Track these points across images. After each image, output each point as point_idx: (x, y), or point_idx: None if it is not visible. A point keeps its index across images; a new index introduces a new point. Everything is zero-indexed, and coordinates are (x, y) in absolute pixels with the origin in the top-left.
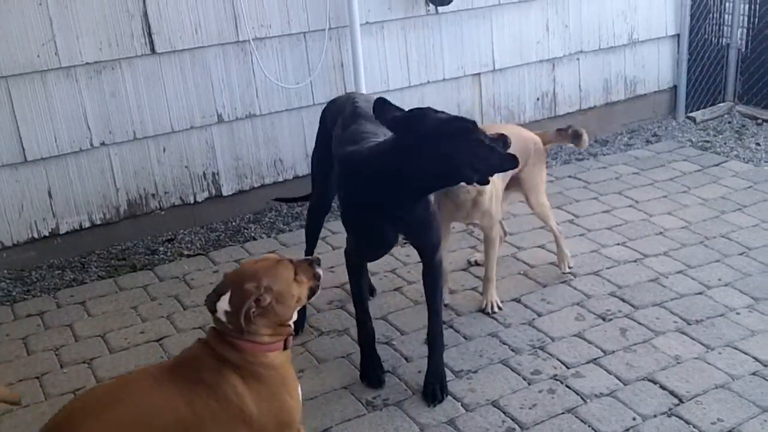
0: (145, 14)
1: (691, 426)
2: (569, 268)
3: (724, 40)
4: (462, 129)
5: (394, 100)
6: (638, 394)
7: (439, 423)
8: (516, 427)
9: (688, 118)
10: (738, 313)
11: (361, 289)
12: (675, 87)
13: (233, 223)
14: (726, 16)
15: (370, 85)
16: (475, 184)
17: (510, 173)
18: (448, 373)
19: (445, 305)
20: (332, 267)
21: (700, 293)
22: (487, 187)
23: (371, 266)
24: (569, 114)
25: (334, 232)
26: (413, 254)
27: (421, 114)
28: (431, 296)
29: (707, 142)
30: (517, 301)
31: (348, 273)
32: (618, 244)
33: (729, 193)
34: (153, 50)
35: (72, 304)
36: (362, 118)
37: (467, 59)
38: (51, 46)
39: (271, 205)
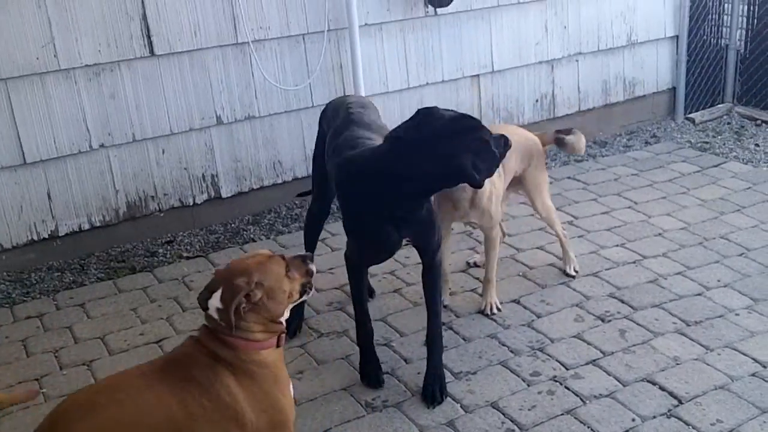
0: (144, 16)
1: (691, 427)
2: (575, 271)
3: (723, 41)
4: (469, 127)
5: (393, 101)
6: (637, 395)
7: (439, 424)
8: (515, 428)
9: (687, 119)
10: (737, 314)
11: (361, 291)
12: (674, 88)
13: (232, 225)
14: (725, 18)
15: (369, 87)
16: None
17: (511, 174)
18: (447, 374)
19: (444, 306)
20: (331, 269)
21: (699, 294)
22: (486, 186)
23: (370, 268)
24: (568, 115)
25: (333, 234)
26: (412, 256)
27: (429, 113)
28: (431, 297)
29: (706, 143)
30: (517, 302)
31: (348, 275)
32: (617, 245)
33: (728, 194)
34: (152, 52)
35: (71, 306)
36: (355, 124)
37: (466, 61)
38: (50, 48)
39: (270, 207)
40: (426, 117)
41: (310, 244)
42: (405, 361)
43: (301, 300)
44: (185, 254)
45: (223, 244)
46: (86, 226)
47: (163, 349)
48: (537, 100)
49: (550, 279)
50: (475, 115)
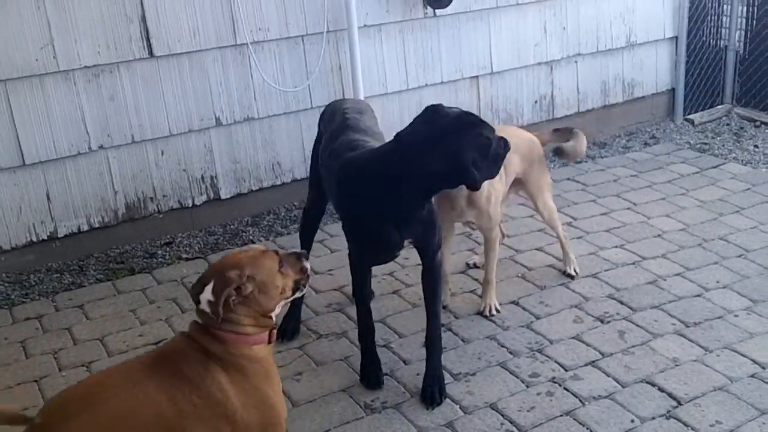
0: (143, 18)
1: (690, 428)
2: (575, 272)
3: (722, 42)
4: (473, 125)
5: (392, 103)
6: (636, 396)
7: (438, 426)
8: (514, 429)
9: (687, 120)
10: (736, 316)
11: (363, 290)
12: (673, 89)
13: (231, 227)
14: (724, 19)
15: (368, 88)
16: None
17: (513, 175)
18: (446, 375)
19: (444, 307)
20: (330, 270)
21: (698, 296)
22: (484, 186)
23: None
24: (567, 117)
25: (332, 235)
26: (411, 257)
27: (435, 110)
28: (430, 298)
29: (705, 144)
30: (516, 303)
31: (352, 274)
32: (616, 246)
33: (727, 195)
34: (151, 54)
35: (70, 307)
36: (351, 129)
37: (465, 62)
38: (49, 49)
39: (270, 208)
40: (433, 114)
41: (307, 244)
42: (404, 362)
43: (294, 297)
44: (184, 255)
45: (222, 245)
46: (85, 228)
47: None
48: (536, 101)
49: (549, 280)
50: None
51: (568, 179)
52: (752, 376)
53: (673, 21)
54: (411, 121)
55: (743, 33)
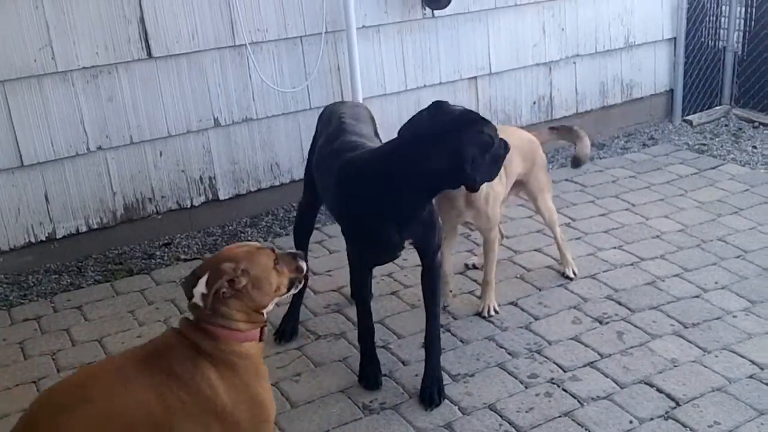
0: (142, 19)
1: (688, 429)
2: (574, 273)
3: (721, 43)
4: (475, 122)
5: (391, 104)
6: (635, 397)
7: (436, 427)
8: (513, 430)
9: (685, 121)
10: (735, 317)
11: (363, 290)
12: (672, 90)
13: (230, 228)
14: (722, 20)
15: (366, 89)
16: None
17: (514, 177)
18: (444, 376)
19: (445, 307)
20: (329, 271)
21: (696, 296)
22: (482, 187)
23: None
24: (566, 117)
25: (331, 236)
26: (410, 258)
27: (439, 106)
28: (430, 298)
29: (704, 145)
30: (514, 304)
31: (351, 275)
32: (614, 247)
33: (726, 196)
34: (150, 55)
35: (69, 308)
36: (347, 133)
37: (464, 63)
38: (48, 50)
39: (268, 209)
40: (436, 110)
41: (300, 244)
42: (403, 363)
43: (289, 293)
44: (183, 256)
45: (220, 246)
46: (84, 229)
47: None
48: (534, 102)
49: (548, 281)
50: None
51: (567, 180)
52: (750, 376)
53: (671, 22)
54: (416, 113)
55: (741, 34)
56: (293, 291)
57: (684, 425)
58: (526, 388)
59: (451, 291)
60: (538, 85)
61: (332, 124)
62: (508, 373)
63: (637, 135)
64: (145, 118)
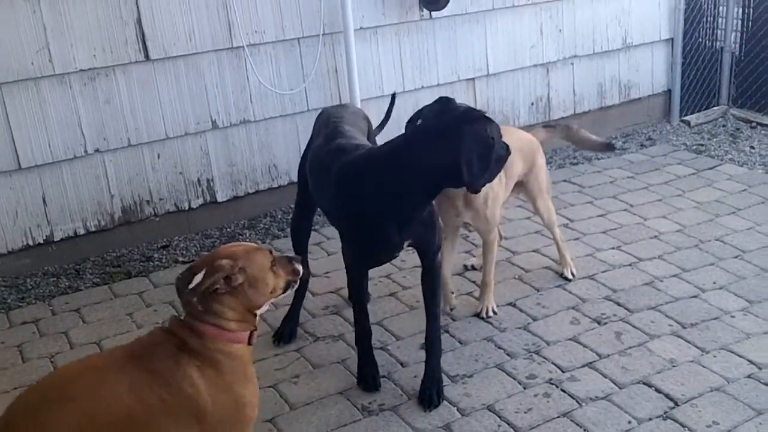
0: (139, 21)
1: (687, 429)
2: (572, 274)
3: (718, 43)
4: (478, 119)
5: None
6: (633, 397)
7: (435, 428)
8: (511, 431)
9: (683, 121)
10: (733, 316)
11: (360, 291)
12: (669, 91)
13: (228, 230)
14: (720, 20)
15: (364, 91)
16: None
17: (515, 178)
18: (443, 377)
19: (451, 309)
20: (327, 273)
21: (694, 296)
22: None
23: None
24: (564, 118)
25: (329, 238)
26: (408, 259)
27: (446, 101)
28: (430, 299)
29: (701, 145)
30: (513, 305)
31: (348, 277)
32: (613, 247)
33: (723, 196)
34: (147, 57)
35: (67, 311)
36: (343, 136)
37: (461, 64)
38: (45, 53)
39: (266, 211)
40: (443, 106)
41: (299, 246)
42: (401, 364)
43: (284, 295)
44: (181, 259)
45: (218, 248)
46: (81, 231)
47: None
48: (532, 103)
49: (546, 282)
50: None
51: (565, 181)
52: (749, 376)
53: (668, 23)
54: (422, 108)
55: (739, 34)
56: (288, 292)
57: (682, 425)
58: (524, 388)
59: (452, 293)
60: (536, 86)
61: (328, 128)
62: (507, 374)
63: (635, 136)
64: (142, 121)
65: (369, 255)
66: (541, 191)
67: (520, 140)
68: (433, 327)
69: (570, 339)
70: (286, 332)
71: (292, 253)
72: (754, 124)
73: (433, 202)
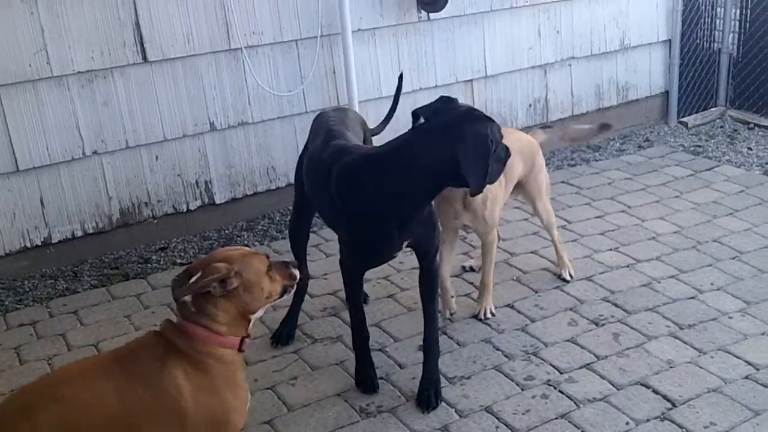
0: (137, 23)
1: (684, 430)
2: (570, 276)
3: (716, 45)
4: (479, 118)
5: (387, 106)
6: (631, 398)
7: (433, 429)
8: None
9: (680, 123)
10: (730, 318)
11: (357, 294)
12: (667, 92)
13: (226, 231)
14: (717, 22)
15: (362, 92)
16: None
17: (515, 180)
18: (441, 379)
19: (452, 314)
20: (325, 274)
21: (692, 298)
22: None
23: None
24: (561, 120)
25: (327, 240)
26: (406, 261)
27: (449, 100)
28: (428, 301)
29: (699, 146)
30: (511, 306)
31: (344, 280)
32: (611, 249)
33: (721, 197)
34: (145, 59)
35: (65, 313)
36: (340, 138)
37: (459, 65)
38: (42, 55)
39: (264, 213)
40: (444, 105)
41: (297, 248)
42: (399, 366)
43: (280, 300)
44: (179, 261)
45: (216, 250)
46: (79, 233)
47: None
48: (530, 105)
49: (544, 283)
50: None
51: (563, 182)
52: (746, 377)
53: (666, 24)
54: (427, 104)
55: (736, 36)
56: (285, 297)
57: (680, 426)
58: (522, 390)
59: (453, 297)
60: (534, 87)
61: (325, 130)
62: (505, 376)
63: (633, 137)
64: (140, 123)
65: (368, 255)
66: (541, 193)
67: (520, 142)
68: (430, 329)
69: (568, 340)
70: (284, 334)
71: (290, 255)
72: (751, 126)
73: (432, 203)
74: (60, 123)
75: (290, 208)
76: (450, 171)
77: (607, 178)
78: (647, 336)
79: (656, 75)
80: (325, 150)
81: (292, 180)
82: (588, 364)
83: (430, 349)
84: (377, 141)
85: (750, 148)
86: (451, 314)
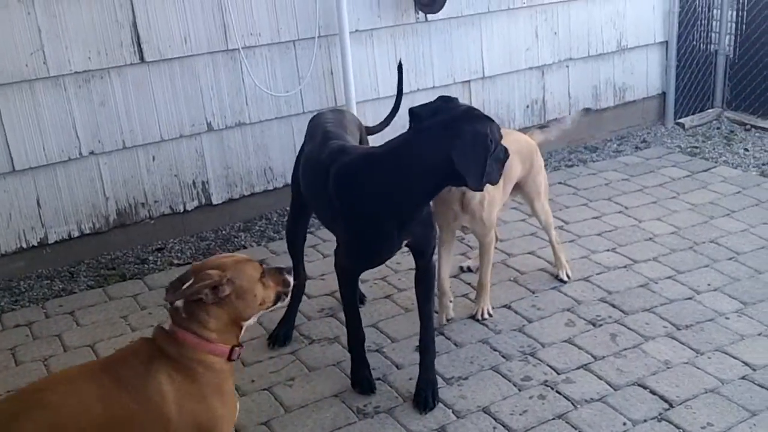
0: (134, 23)
1: (681, 430)
2: (568, 276)
3: (713, 46)
4: (479, 118)
5: (384, 108)
6: (628, 399)
7: (430, 430)
8: None
9: (677, 124)
10: (727, 318)
11: (352, 295)
12: (664, 93)
13: (223, 232)
14: (714, 23)
15: (360, 93)
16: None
17: (514, 181)
18: (438, 380)
19: (448, 320)
20: (322, 275)
21: (689, 298)
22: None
23: (362, 274)
24: (559, 121)
25: (324, 240)
26: (403, 261)
27: (449, 99)
28: (424, 301)
29: (696, 147)
30: (508, 307)
31: (340, 282)
32: (608, 250)
33: (718, 198)
34: (142, 59)
35: (61, 314)
36: (337, 139)
37: (457, 66)
38: (39, 55)
39: (261, 214)
40: (443, 104)
41: (294, 249)
42: (396, 366)
43: (274, 308)
44: (176, 261)
45: (213, 251)
46: (76, 234)
47: None
48: (528, 106)
49: (542, 284)
50: None
51: (560, 183)
52: (743, 378)
53: (663, 25)
54: (426, 103)
55: (733, 37)
56: (279, 305)
57: (677, 427)
58: (519, 390)
59: (451, 302)
60: (531, 88)
61: (322, 131)
62: (502, 376)
63: (630, 138)
64: (137, 123)
65: (368, 256)
66: (539, 193)
67: (518, 143)
68: (427, 328)
69: (565, 341)
70: (281, 335)
71: (287, 256)
72: (748, 127)
73: (430, 203)
74: (57, 123)
75: (287, 208)
76: (449, 170)
77: (605, 179)
78: (644, 336)
79: (653, 76)
80: (322, 150)
81: (289, 180)
82: (585, 365)
83: (426, 350)
84: (379, 139)
85: (746, 149)
86: (448, 320)
